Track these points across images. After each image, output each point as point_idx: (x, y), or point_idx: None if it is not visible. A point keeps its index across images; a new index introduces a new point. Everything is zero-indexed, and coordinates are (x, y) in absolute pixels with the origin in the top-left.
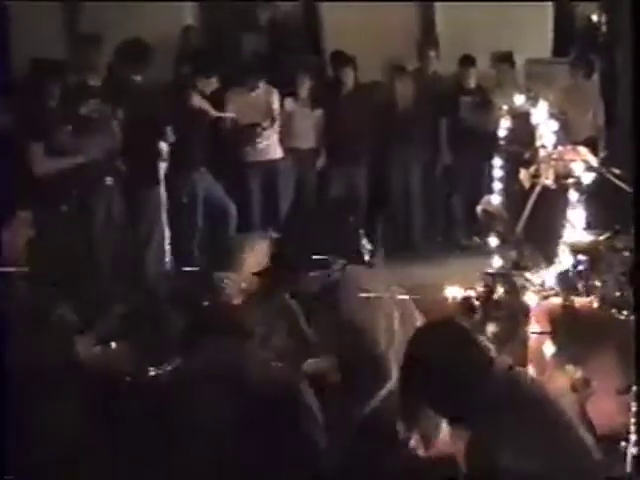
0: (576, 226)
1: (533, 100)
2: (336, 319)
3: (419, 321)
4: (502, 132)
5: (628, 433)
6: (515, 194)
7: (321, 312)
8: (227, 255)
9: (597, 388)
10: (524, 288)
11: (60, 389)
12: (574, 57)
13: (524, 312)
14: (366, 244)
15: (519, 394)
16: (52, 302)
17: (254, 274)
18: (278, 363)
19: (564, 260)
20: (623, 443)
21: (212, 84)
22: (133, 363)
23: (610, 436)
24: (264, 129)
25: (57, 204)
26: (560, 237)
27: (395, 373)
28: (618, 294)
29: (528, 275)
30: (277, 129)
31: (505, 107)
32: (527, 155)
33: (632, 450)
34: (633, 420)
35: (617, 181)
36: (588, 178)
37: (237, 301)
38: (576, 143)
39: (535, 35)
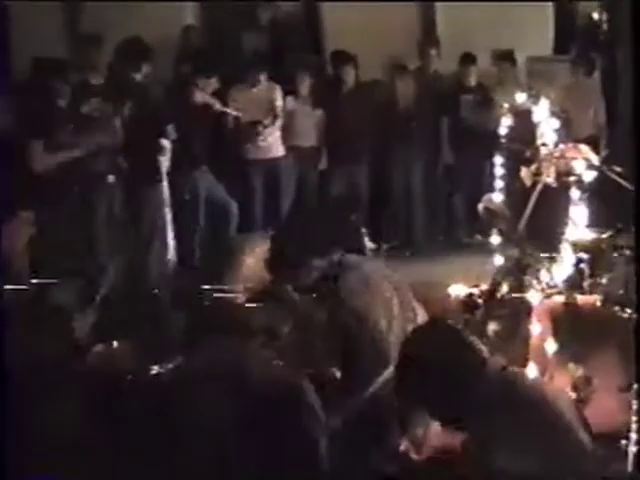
0: (578, 224)
1: (534, 98)
2: (336, 306)
3: (417, 308)
4: (503, 130)
5: (629, 431)
6: (516, 192)
7: (321, 300)
8: (227, 256)
9: (598, 386)
10: (527, 286)
11: (61, 388)
12: (575, 55)
13: (526, 310)
14: (368, 243)
15: (513, 394)
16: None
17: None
18: (280, 362)
19: (566, 258)
20: (624, 441)
21: (212, 84)
22: (135, 361)
23: (611, 434)
24: (265, 127)
25: (59, 203)
26: (562, 235)
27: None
28: (620, 292)
29: (530, 273)
30: (279, 126)
31: (506, 105)
32: (528, 153)
33: (633, 448)
34: (634, 418)
35: (619, 179)
36: (589, 176)
37: (239, 299)
38: (577, 141)
39: (536, 33)
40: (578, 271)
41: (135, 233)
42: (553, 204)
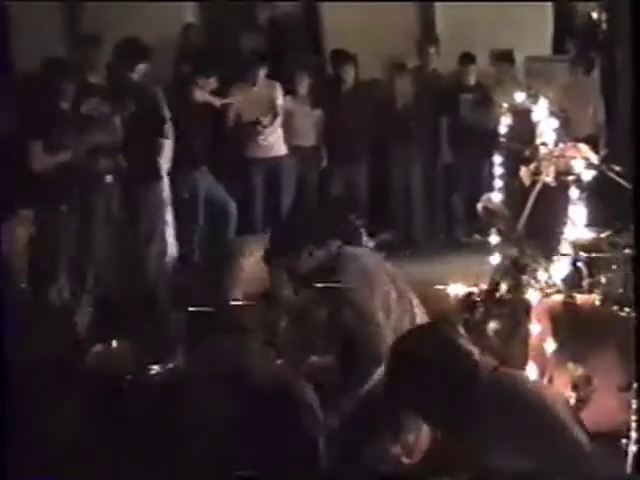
0: (577, 223)
1: (533, 97)
2: (334, 300)
3: (413, 298)
4: (502, 129)
5: (629, 431)
6: (515, 192)
7: (319, 295)
8: (226, 257)
9: (598, 385)
10: (526, 285)
11: (61, 388)
12: (574, 54)
13: (525, 310)
14: (367, 242)
15: (506, 395)
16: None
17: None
18: (279, 361)
19: (565, 257)
20: (624, 441)
21: (211, 83)
22: (134, 361)
23: (611, 434)
24: (264, 127)
25: (57, 202)
26: (561, 234)
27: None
28: (619, 291)
29: (529, 272)
30: (281, 125)
31: (505, 105)
32: (527, 152)
33: (633, 448)
34: (634, 418)
35: (618, 178)
36: (589, 175)
37: (240, 294)
38: (577, 140)
39: (535, 32)
40: (577, 270)
41: (134, 233)
42: (552, 203)
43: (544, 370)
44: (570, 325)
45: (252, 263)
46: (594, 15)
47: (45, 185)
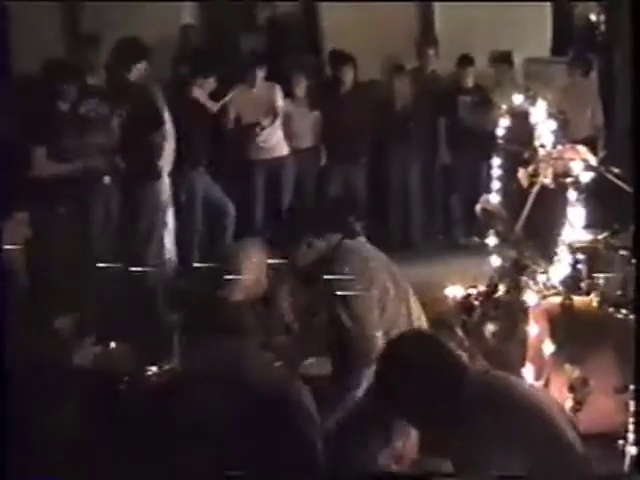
0: (575, 225)
1: (532, 99)
2: (332, 289)
3: (409, 290)
4: (501, 131)
5: (626, 432)
6: (514, 193)
7: (317, 283)
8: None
9: (595, 387)
10: (524, 287)
11: (59, 389)
12: (572, 56)
13: (523, 311)
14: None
15: (496, 397)
16: (50, 311)
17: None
18: (277, 363)
19: (563, 259)
20: (621, 442)
21: (210, 84)
22: (132, 362)
23: (608, 435)
24: (263, 128)
25: (54, 204)
26: (559, 236)
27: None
28: (617, 293)
29: (527, 274)
30: (281, 126)
31: (504, 106)
32: (526, 154)
33: (630, 449)
34: (631, 419)
35: (616, 180)
36: (587, 177)
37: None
38: (575, 142)
39: (534, 34)
40: (575, 272)
41: (132, 234)
42: (550, 205)
43: (542, 371)
44: (568, 327)
45: (251, 265)
46: (593, 17)
47: (42, 186)
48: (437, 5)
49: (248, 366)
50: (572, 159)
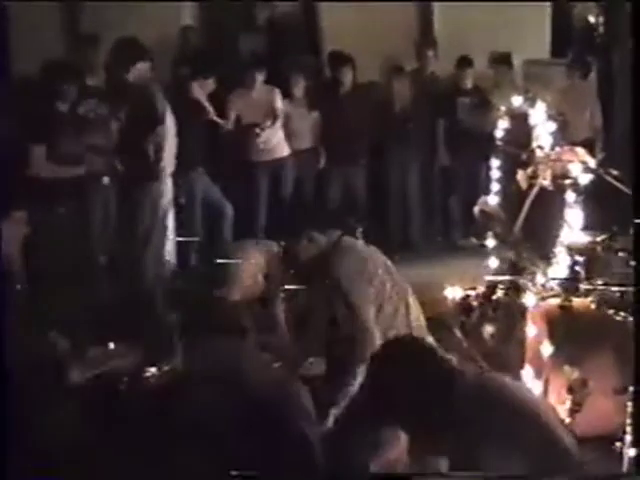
0: (573, 227)
1: (531, 101)
2: (330, 284)
3: (407, 287)
4: (499, 133)
5: (624, 433)
6: (512, 195)
7: (315, 279)
8: (225, 261)
9: (594, 388)
10: (522, 289)
11: (58, 390)
12: (571, 58)
13: (521, 313)
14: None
15: (490, 399)
16: (45, 328)
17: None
18: (276, 364)
19: (561, 261)
20: (619, 443)
21: (210, 85)
22: (131, 363)
23: (606, 436)
24: (262, 129)
25: (53, 204)
26: (557, 238)
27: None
28: (616, 295)
29: (526, 276)
30: (281, 127)
31: (503, 108)
32: (525, 156)
33: (628, 450)
34: (629, 421)
35: (615, 182)
36: (585, 179)
37: (236, 299)
38: (574, 144)
39: (533, 36)
40: (573, 274)
41: (131, 234)
42: (549, 207)
43: (540, 373)
44: (566, 328)
45: (249, 266)
46: (592, 19)
47: (41, 186)
48: (436, 6)
49: (247, 367)
50: (571, 161)
